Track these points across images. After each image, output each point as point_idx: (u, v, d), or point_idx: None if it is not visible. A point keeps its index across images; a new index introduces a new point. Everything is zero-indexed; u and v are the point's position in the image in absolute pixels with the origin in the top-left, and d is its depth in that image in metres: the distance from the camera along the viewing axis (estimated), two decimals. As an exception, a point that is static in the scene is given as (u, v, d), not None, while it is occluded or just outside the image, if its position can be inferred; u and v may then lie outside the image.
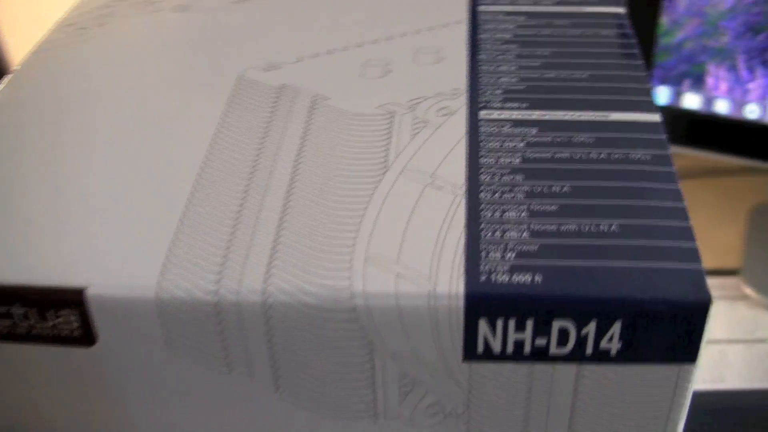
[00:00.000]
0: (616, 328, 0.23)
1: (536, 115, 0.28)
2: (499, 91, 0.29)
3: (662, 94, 0.53)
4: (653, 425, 0.25)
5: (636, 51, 0.31)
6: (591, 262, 0.24)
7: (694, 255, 0.24)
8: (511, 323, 0.23)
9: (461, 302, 0.23)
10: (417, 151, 0.27)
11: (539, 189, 0.26)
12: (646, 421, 0.25)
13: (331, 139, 0.28)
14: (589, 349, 0.24)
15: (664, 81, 0.53)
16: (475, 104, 0.29)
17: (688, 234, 0.24)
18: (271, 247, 0.24)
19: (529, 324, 0.23)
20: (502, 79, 0.30)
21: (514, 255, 0.24)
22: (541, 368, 0.24)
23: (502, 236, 0.24)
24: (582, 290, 0.23)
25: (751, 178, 0.67)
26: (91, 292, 0.24)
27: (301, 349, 0.24)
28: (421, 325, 0.23)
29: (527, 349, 0.24)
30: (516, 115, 0.28)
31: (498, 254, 0.24)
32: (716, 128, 0.53)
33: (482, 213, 0.25)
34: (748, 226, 0.63)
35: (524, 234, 0.24)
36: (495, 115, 0.28)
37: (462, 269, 0.23)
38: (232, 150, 0.28)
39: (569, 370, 0.24)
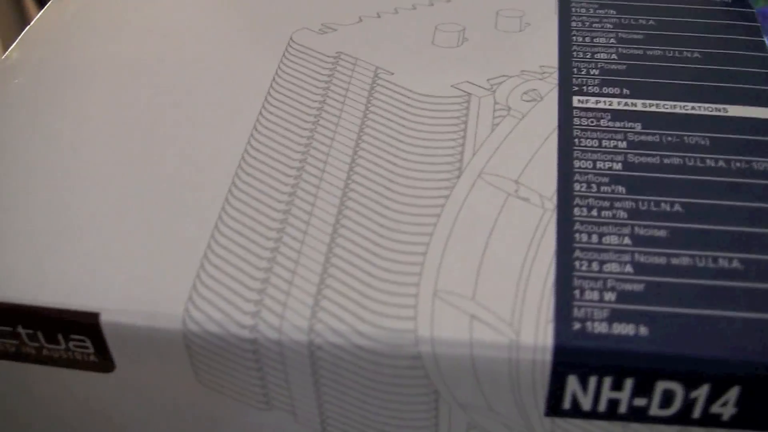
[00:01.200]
0: (733, 393, 0.19)
1: (640, 104, 0.24)
2: (595, 72, 0.25)
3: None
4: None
5: (758, 24, 0.26)
6: (707, 310, 0.19)
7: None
8: (607, 381, 0.19)
9: (548, 356, 0.19)
10: (498, 148, 0.23)
11: (645, 206, 0.21)
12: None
13: (396, 126, 0.23)
14: (696, 413, 0.20)
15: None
16: (567, 87, 0.24)
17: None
18: (321, 272, 0.20)
19: (628, 384, 0.19)
20: (599, 56, 0.25)
21: (614, 296, 0.20)
22: (636, 427, 0.20)
23: (600, 269, 0.20)
24: (696, 349, 0.19)
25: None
26: (105, 319, 0.20)
27: (352, 392, 0.20)
28: (498, 378, 0.20)
29: (623, 409, 0.20)
30: (616, 103, 0.24)
31: (595, 294, 0.20)
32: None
33: (576, 236, 0.21)
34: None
35: (627, 267, 0.20)
36: (591, 102, 0.24)
37: (551, 313, 0.19)
38: (277, 142, 0.23)
39: (669, 430, 0.20)
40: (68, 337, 0.21)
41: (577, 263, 0.20)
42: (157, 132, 0.24)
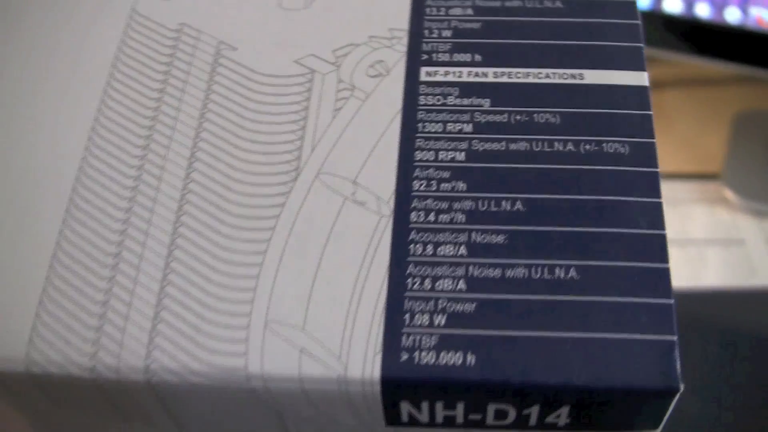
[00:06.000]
0: (563, 410, 0.19)
1: (491, 74, 0.22)
2: (448, 33, 0.23)
3: (643, -2, 0.51)
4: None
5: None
6: (537, 331, 0.19)
7: (666, 320, 0.19)
8: (439, 404, 0.20)
9: (377, 388, 0.19)
10: (338, 140, 0.22)
11: (485, 206, 0.21)
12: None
13: (236, 119, 0.22)
14: (532, 422, 0.20)
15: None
16: (416, 56, 0.23)
17: (663, 287, 0.20)
18: (156, 304, 0.20)
19: (460, 405, 0.20)
20: (454, 11, 0.24)
21: (444, 319, 0.19)
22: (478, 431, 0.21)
23: (432, 287, 0.20)
24: (523, 375, 0.19)
25: (737, 87, 0.67)
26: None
27: (202, 414, 0.21)
28: (333, 404, 0.20)
29: (460, 420, 0.20)
30: (466, 74, 0.23)
31: (425, 318, 0.20)
32: (698, 33, 0.50)
33: (411, 247, 0.20)
34: (731, 132, 0.64)
35: (460, 284, 0.20)
36: (440, 74, 0.23)
37: (380, 344, 0.19)
38: (116, 144, 0.22)
39: (511, 434, 0.21)
40: None
41: (409, 281, 0.20)
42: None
